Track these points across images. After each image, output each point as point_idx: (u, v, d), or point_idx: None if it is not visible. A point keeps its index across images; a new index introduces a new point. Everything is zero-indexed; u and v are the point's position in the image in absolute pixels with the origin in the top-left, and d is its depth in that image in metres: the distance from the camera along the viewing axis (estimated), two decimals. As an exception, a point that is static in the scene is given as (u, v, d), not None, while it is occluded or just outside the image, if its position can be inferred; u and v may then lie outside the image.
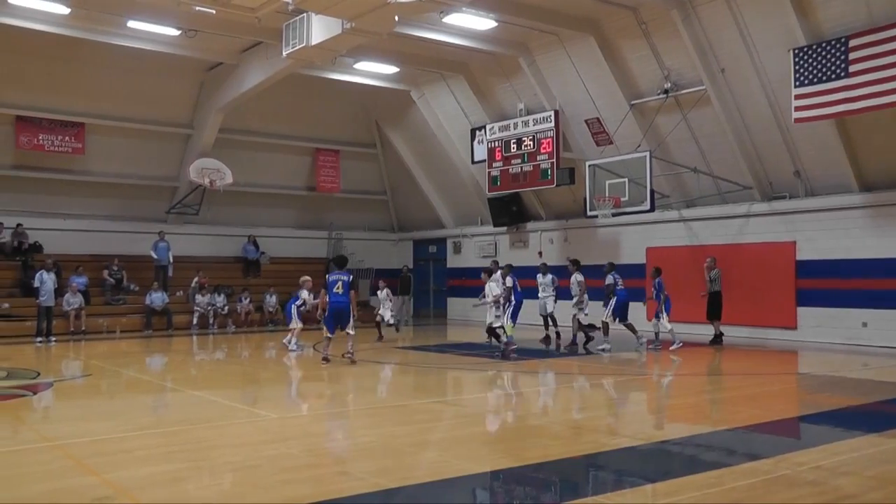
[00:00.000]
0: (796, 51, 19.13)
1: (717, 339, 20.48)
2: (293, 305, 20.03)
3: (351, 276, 16.61)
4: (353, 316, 16.52)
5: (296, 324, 19.71)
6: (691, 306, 22.62)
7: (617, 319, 19.74)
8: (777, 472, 7.46)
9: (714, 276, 20.49)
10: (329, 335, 16.32)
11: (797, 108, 19.23)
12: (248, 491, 6.93)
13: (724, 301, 20.54)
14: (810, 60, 18.89)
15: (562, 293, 21.82)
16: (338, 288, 16.22)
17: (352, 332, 16.38)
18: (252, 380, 15.76)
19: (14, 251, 26.17)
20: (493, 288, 18.60)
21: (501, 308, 18.34)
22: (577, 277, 20.39)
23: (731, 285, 21.24)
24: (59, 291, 23.54)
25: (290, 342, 19.45)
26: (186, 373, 16.83)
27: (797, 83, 19.12)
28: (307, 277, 20.89)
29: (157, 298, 25.88)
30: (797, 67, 19.12)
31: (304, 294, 20.30)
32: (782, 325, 21.63)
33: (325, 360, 16.06)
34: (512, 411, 12.02)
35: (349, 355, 16.18)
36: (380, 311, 23.29)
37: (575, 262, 20.89)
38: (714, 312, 20.54)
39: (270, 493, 6.74)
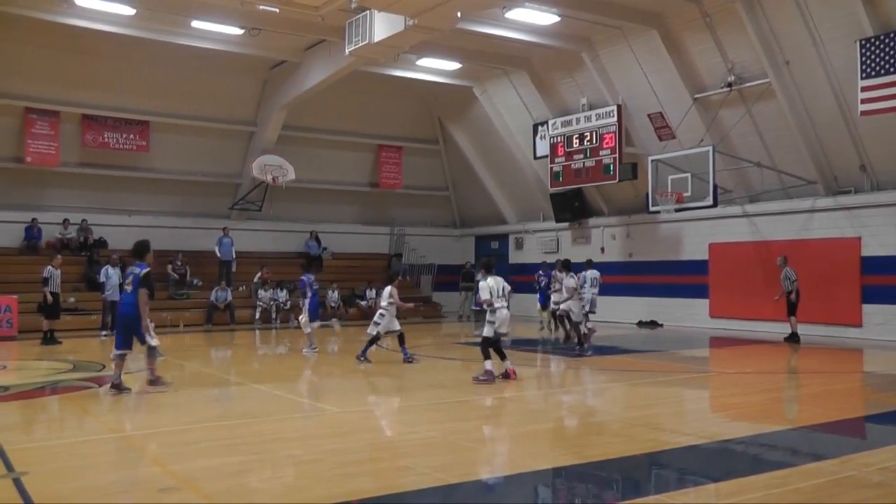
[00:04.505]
0: (863, 42, 18.75)
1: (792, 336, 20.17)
2: None
3: (145, 269, 12.27)
4: (147, 326, 12.01)
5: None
6: (755, 302, 22.36)
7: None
8: (843, 473, 7.34)
9: (784, 276, 20.14)
10: (117, 352, 12.07)
11: (863, 101, 18.84)
12: (310, 484, 7.00)
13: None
14: (877, 52, 18.49)
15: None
16: (128, 284, 12.32)
17: (152, 342, 12.04)
18: (314, 374, 15.86)
19: (80, 247, 26.75)
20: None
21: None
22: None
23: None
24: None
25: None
26: (249, 366, 17.01)
27: (864, 75, 18.74)
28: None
29: (221, 296, 26.14)
30: (864, 59, 18.73)
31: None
32: (847, 322, 21.20)
33: (115, 387, 11.88)
34: (572, 408, 11.97)
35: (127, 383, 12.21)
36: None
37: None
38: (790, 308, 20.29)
39: (332, 487, 6.80)
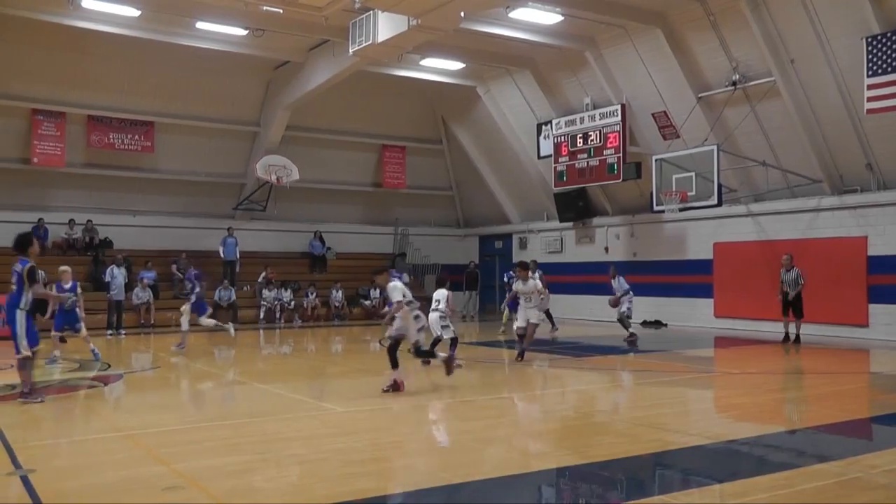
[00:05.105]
0: (869, 39, 18.67)
1: (793, 337, 20.02)
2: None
3: (28, 265, 10.75)
4: (16, 336, 10.68)
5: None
6: (760, 302, 22.30)
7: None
8: (848, 475, 7.30)
9: (797, 276, 19.92)
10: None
11: (869, 99, 18.75)
12: (313, 483, 7.01)
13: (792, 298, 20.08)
14: (884, 49, 18.40)
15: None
16: (13, 284, 10.96)
17: (24, 352, 10.72)
18: (318, 374, 15.89)
19: (85, 247, 26.85)
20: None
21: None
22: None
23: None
24: (129, 286, 24.31)
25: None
26: (253, 366, 17.02)
27: (870, 73, 18.64)
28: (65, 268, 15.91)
29: (224, 295, 26.21)
30: (870, 56, 18.64)
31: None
32: (853, 322, 21.10)
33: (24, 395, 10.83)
34: (576, 408, 11.93)
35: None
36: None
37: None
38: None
39: (336, 486, 6.80)
